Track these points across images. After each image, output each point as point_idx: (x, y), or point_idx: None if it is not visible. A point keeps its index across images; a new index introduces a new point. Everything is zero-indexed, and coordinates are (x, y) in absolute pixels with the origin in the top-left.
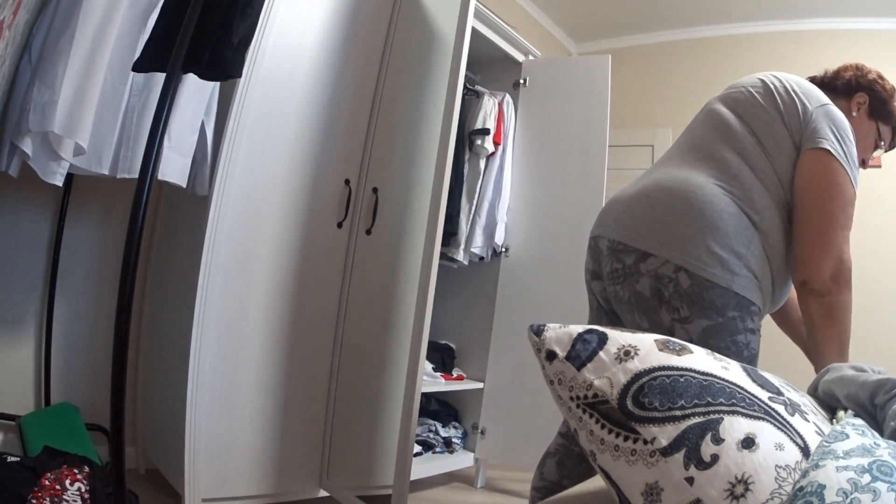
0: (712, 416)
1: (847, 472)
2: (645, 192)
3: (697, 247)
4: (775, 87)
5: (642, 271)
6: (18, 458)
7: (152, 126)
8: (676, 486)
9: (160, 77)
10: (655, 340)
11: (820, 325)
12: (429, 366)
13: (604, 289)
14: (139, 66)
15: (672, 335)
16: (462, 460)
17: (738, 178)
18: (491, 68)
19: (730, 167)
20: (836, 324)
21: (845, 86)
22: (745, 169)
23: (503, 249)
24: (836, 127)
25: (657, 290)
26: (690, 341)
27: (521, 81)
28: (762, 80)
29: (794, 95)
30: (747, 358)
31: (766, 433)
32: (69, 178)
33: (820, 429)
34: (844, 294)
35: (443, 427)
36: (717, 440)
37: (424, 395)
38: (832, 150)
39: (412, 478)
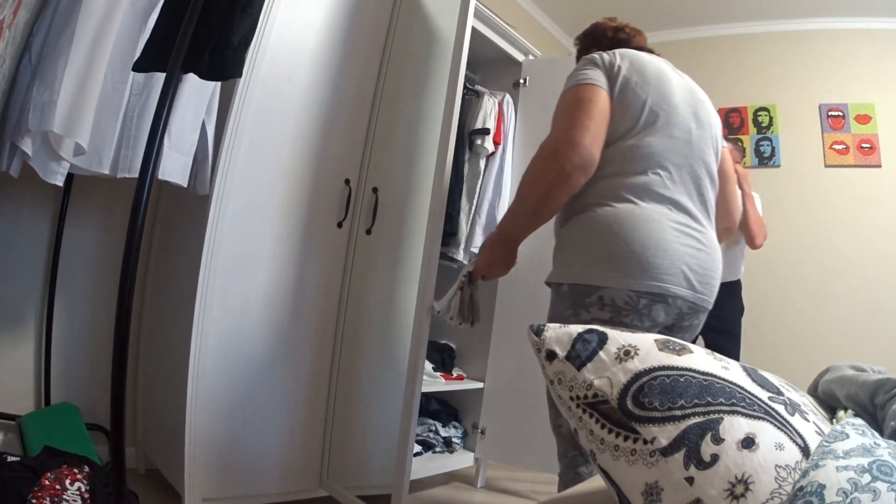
0: (712, 416)
1: (847, 472)
2: (712, 260)
3: None
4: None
5: (702, 321)
6: (18, 458)
7: (152, 125)
8: (676, 486)
9: (160, 76)
10: (655, 340)
11: None
12: (429, 366)
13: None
14: (139, 66)
15: None
16: (462, 460)
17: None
18: (491, 68)
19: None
20: None
21: None
22: None
23: None
24: None
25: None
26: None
27: (521, 81)
28: (715, 117)
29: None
30: None
31: (766, 433)
32: (69, 177)
33: (820, 429)
34: None
35: (443, 427)
36: (717, 440)
37: (424, 394)
38: None
39: (412, 478)
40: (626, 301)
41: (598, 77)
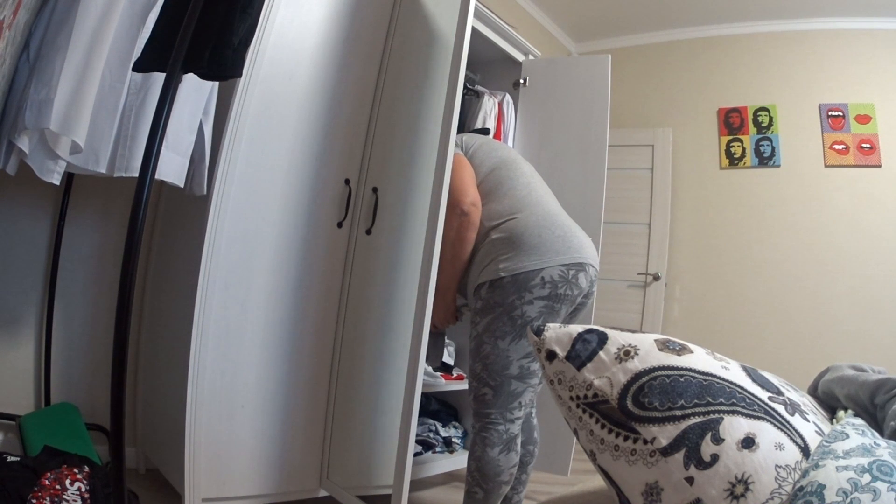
0: (712, 416)
1: (847, 472)
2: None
3: None
4: None
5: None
6: (18, 458)
7: (152, 126)
8: (676, 486)
9: (158, 76)
10: (655, 340)
11: None
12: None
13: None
14: (139, 66)
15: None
16: (462, 460)
17: None
18: (491, 68)
19: None
20: None
21: None
22: None
23: None
24: None
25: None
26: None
27: (521, 81)
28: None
29: None
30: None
31: (766, 433)
32: (69, 177)
33: (820, 429)
34: None
35: (443, 427)
36: (717, 440)
37: (424, 395)
38: None
39: (412, 478)
40: (561, 274)
41: (457, 150)
